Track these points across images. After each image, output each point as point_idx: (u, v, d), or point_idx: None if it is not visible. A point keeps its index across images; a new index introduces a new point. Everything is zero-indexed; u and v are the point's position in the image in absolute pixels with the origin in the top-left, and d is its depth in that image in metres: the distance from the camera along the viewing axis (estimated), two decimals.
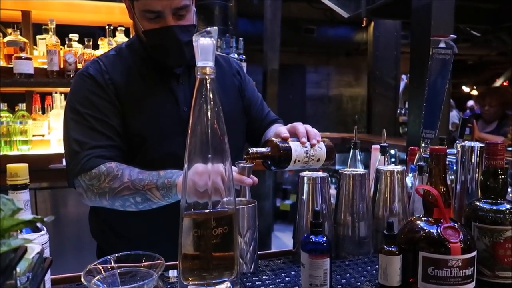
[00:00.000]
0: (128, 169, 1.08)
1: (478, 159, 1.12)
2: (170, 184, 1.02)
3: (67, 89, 1.23)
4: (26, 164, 0.74)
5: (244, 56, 3.14)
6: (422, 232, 0.87)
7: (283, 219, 5.42)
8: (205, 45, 0.79)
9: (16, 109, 2.61)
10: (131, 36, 2.86)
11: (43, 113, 2.75)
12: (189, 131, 0.79)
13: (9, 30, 2.67)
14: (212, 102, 0.79)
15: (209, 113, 0.79)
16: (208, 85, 0.79)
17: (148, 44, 1.19)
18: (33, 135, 2.57)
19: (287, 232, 4.89)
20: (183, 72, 1.24)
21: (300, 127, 1.09)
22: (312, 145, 1.06)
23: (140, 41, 1.23)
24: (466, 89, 11.73)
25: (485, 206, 0.92)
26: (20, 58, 2.42)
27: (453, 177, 1.24)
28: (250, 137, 1.39)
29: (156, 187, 1.03)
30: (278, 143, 1.02)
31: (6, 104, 2.54)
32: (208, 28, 0.78)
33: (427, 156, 1.17)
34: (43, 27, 2.75)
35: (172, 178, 1.03)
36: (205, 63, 0.79)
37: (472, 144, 1.15)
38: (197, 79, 0.79)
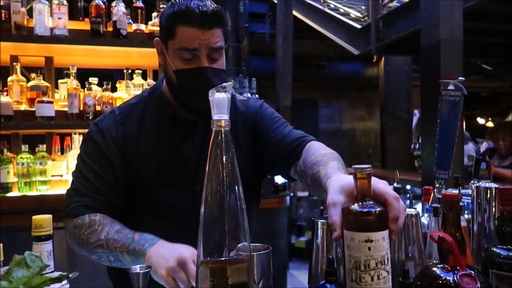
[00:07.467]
0: (108, 225, 1.13)
1: (494, 199, 1.12)
2: (140, 253, 1.06)
3: (86, 130, 1.29)
4: (50, 216, 0.77)
5: (256, 96, 3.21)
6: (438, 280, 0.87)
7: (299, 256, 5.31)
8: (220, 99, 0.83)
9: (36, 150, 2.69)
10: (148, 79, 2.99)
11: (62, 153, 2.82)
12: (205, 180, 0.82)
13: (33, 75, 2.79)
14: (228, 152, 0.83)
15: (224, 162, 0.82)
16: (223, 136, 0.83)
17: (177, 84, 1.18)
18: (52, 175, 2.63)
19: (302, 270, 4.79)
20: (199, 122, 1.23)
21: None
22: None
23: (162, 91, 1.25)
24: (481, 120, 11.63)
25: (502, 253, 0.91)
26: (42, 102, 2.51)
27: (470, 216, 1.23)
28: (278, 167, 1.24)
29: (127, 251, 1.07)
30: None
31: (27, 145, 2.62)
32: (224, 84, 0.83)
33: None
34: (65, 71, 2.87)
35: (143, 246, 1.06)
36: (220, 116, 0.83)
37: (487, 185, 1.15)
38: (213, 132, 0.83)
